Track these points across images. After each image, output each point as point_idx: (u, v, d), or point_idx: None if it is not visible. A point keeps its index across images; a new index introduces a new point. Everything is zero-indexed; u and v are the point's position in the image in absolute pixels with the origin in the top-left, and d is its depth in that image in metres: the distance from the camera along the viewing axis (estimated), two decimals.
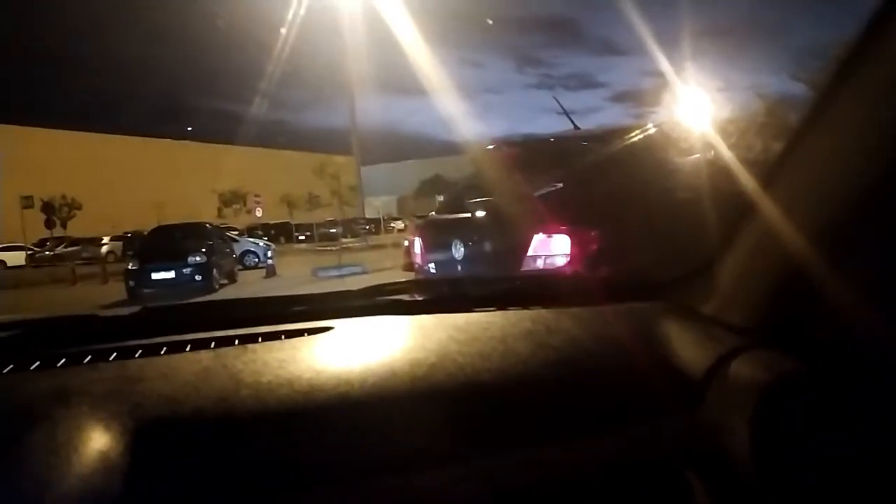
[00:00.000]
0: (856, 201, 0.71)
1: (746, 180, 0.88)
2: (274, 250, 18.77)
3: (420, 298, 1.16)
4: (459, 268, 4.01)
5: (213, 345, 0.92)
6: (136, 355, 0.89)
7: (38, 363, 0.87)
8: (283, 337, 0.95)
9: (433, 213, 5.13)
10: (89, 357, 0.88)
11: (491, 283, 1.31)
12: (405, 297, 1.15)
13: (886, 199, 0.69)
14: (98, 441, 0.69)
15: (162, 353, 0.90)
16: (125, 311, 1.08)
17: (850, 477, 0.73)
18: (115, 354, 0.89)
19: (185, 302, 1.16)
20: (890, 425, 0.73)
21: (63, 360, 0.88)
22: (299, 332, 0.97)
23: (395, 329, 1.01)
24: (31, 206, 39.38)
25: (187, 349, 0.91)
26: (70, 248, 30.76)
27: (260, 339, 0.94)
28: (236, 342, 0.93)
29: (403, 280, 1.29)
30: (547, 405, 0.84)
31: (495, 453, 0.78)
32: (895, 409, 0.73)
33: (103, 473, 0.66)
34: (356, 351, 0.91)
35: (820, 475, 0.73)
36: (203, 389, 0.79)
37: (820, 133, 0.75)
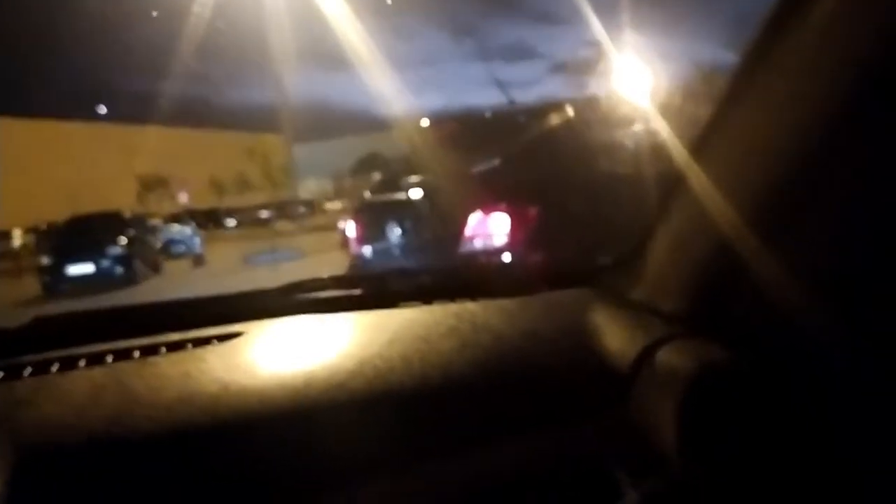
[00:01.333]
0: (784, 183, 0.68)
1: (677, 155, 0.84)
2: (202, 237, 18.17)
3: (340, 295, 1.10)
4: (395, 252, 3.95)
5: (110, 359, 0.86)
6: (24, 374, 0.84)
7: None
8: (189, 346, 0.90)
9: (368, 193, 5.03)
10: None
11: (416, 276, 1.29)
12: (325, 295, 1.10)
13: (815, 180, 0.66)
14: None
15: (53, 370, 0.84)
16: (14, 324, 0.99)
17: (779, 467, 0.71)
18: (1, 374, 0.84)
19: (82, 310, 1.08)
20: (819, 415, 0.71)
21: None
22: (207, 340, 0.92)
23: (312, 331, 0.96)
24: None
25: (81, 364, 0.85)
26: None
27: (163, 350, 0.89)
28: (136, 354, 0.87)
29: (323, 276, 1.20)
30: (473, 409, 0.81)
31: (418, 463, 0.75)
32: (824, 399, 0.71)
33: None
34: (269, 358, 0.87)
35: (749, 466, 0.71)
36: (94, 412, 0.74)
37: (745, 108, 0.73)
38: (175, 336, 0.92)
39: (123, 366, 0.85)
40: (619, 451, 0.78)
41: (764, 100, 0.70)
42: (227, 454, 0.71)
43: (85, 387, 0.79)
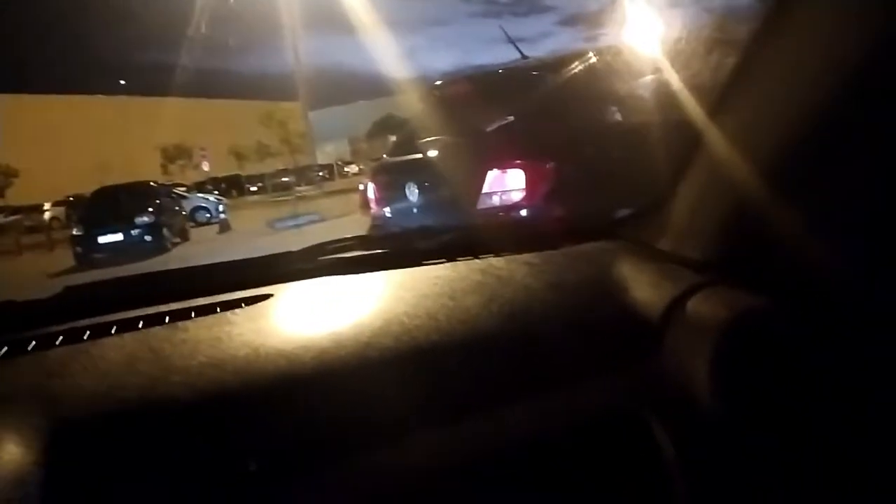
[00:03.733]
0: (806, 130, 0.68)
1: (695, 108, 0.84)
2: (226, 204, 18.39)
3: (364, 255, 1.09)
4: (415, 211, 3.96)
5: (140, 324, 0.85)
6: (57, 343, 0.82)
7: None
8: (218, 310, 0.89)
9: (385, 155, 5.03)
10: (5, 349, 0.80)
11: (439, 233, 1.24)
12: (349, 255, 1.09)
13: (834, 130, 0.67)
14: (8, 450, 0.63)
15: (85, 337, 0.82)
16: (46, 293, 0.98)
17: (812, 413, 0.72)
18: (32, 344, 0.81)
19: (112, 278, 1.07)
20: (849, 359, 0.71)
21: None
22: (236, 303, 0.91)
23: (338, 292, 0.95)
24: None
25: (113, 332, 0.83)
26: (11, 218, 29.47)
27: (193, 315, 0.87)
28: (167, 319, 0.86)
29: (347, 236, 1.20)
30: (502, 363, 0.80)
31: (450, 419, 0.74)
32: (853, 344, 0.71)
33: (16, 486, 0.59)
34: (296, 320, 0.86)
35: (782, 410, 0.72)
36: (128, 379, 0.73)
37: (766, 60, 0.72)
38: (204, 300, 0.92)
39: (155, 332, 0.84)
40: (654, 400, 0.78)
41: (784, 53, 0.70)
42: (261, 416, 0.71)
43: (117, 355, 0.78)
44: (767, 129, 0.73)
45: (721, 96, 0.78)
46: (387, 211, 4.26)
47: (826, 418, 0.71)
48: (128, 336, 0.83)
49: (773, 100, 0.72)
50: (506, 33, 5.23)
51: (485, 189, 3.59)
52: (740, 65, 0.74)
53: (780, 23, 0.69)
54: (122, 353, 0.78)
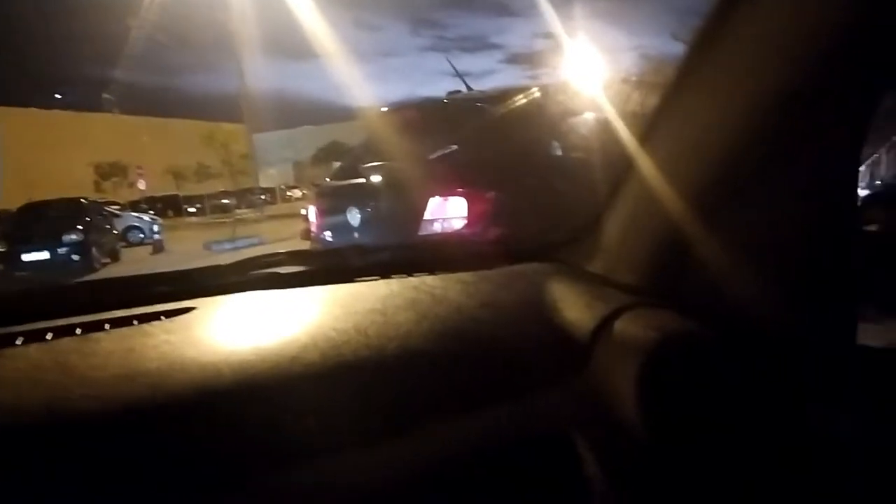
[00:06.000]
0: (729, 159, 0.71)
1: (626, 140, 0.87)
2: (161, 224, 17.85)
3: (297, 270, 1.05)
4: (356, 235, 3.95)
5: (49, 336, 0.80)
6: None
7: None
8: (134, 322, 0.84)
9: (328, 179, 5.01)
10: None
11: (374, 250, 1.22)
12: (281, 270, 1.05)
13: (755, 162, 0.69)
14: None
15: None
16: None
17: (735, 435, 0.73)
18: None
19: (23, 288, 1.01)
20: (768, 384, 0.73)
21: None
22: (154, 316, 0.86)
23: (266, 306, 0.91)
24: None
25: (18, 343, 0.78)
26: None
27: (106, 326, 0.82)
28: (77, 331, 0.81)
29: (279, 251, 1.16)
30: (431, 381, 0.79)
31: (374, 438, 0.72)
32: (775, 370, 0.74)
33: None
34: (219, 333, 0.82)
35: (706, 433, 0.73)
36: (28, 392, 0.68)
37: (692, 91, 0.75)
38: (121, 312, 0.87)
39: (64, 343, 0.79)
40: (580, 420, 0.78)
41: (707, 88, 0.73)
42: (174, 431, 0.67)
43: (21, 365, 0.73)
44: (692, 159, 0.76)
45: (648, 128, 0.81)
46: (327, 234, 4.24)
47: (747, 439, 0.73)
48: (33, 347, 0.77)
49: (698, 130, 0.75)
50: (452, 66, 5.35)
51: (426, 216, 3.63)
52: (667, 97, 0.77)
53: (703, 57, 0.72)
54: (27, 364, 0.73)
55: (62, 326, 0.82)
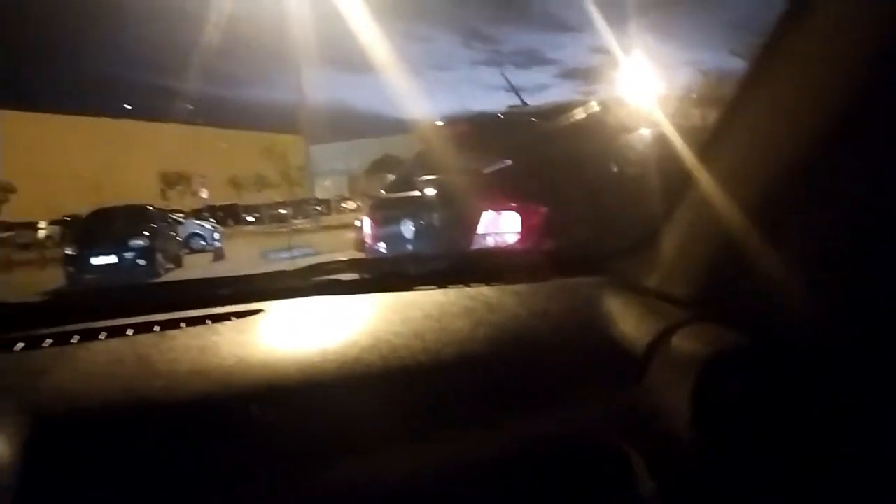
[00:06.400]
0: (788, 176, 0.71)
1: (684, 154, 0.87)
2: (221, 232, 18.39)
3: (357, 278, 1.11)
4: (409, 247, 3.98)
5: (129, 332, 0.86)
6: (45, 345, 0.83)
7: None
8: (207, 322, 0.90)
9: (383, 192, 5.07)
10: None
11: (430, 260, 1.29)
12: (342, 277, 1.10)
13: (817, 173, 0.70)
14: None
15: (73, 342, 0.84)
16: (38, 298, 1.00)
17: (789, 452, 0.73)
18: (20, 345, 0.83)
19: (105, 287, 1.07)
20: (826, 401, 0.73)
21: None
22: (226, 317, 0.92)
23: (329, 310, 0.96)
24: None
25: (101, 337, 0.85)
26: (4, 234, 29.35)
27: (182, 325, 0.88)
28: (156, 329, 0.87)
29: (341, 259, 1.23)
30: (486, 385, 0.81)
31: (431, 436, 0.75)
32: (832, 386, 0.74)
33: None
34: (285, 334, 0.87)
35: (760, 450, 0.73)
36: (112, 383, 0.74)
37: (753, 106, 0.75)
38: (195, 312, 0.93)
39: (143, 338, 0.85)
40: (633, 433, 0.79)
41: (769, 101, 0.73)
42: (243, 423, 0.71)
43: (103, 358, 0.79)
44: (751, 173, 0.76)
45: (708, 142, 0.82)
46: (382, 246, 4.29)
47: (801, 455, 0.73)
48: (115, 342, 0.84)
49: (757, 145, 0.76)
50: (507, 80, 5.35)
51: (479, 229, 3.63)
52: (726, 112, 0.78)
53: (763, 71, 0.73)
54: (109, 358, 0.78)
55: (141, 323, 0.89)
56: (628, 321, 0.90)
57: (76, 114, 55.31)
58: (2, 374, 0.75)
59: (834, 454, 0.73)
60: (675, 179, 0.91)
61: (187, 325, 0.89)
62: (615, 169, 3.95)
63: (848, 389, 0.74)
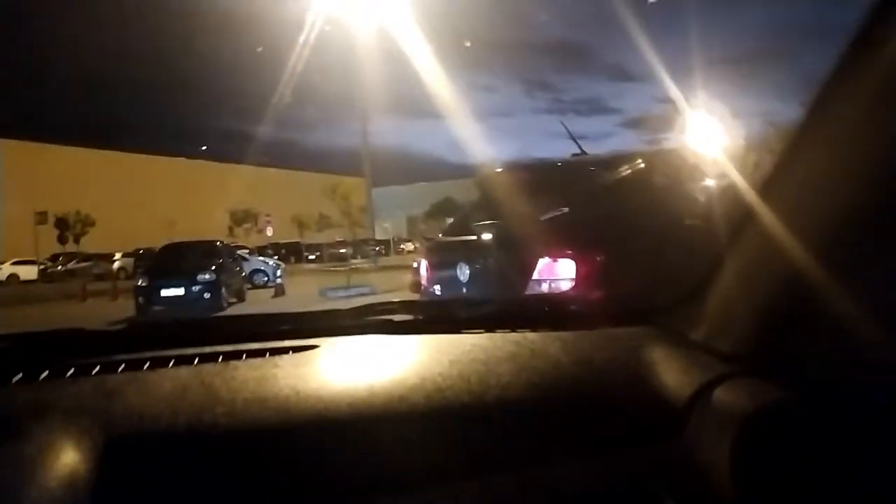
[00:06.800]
0: (845, 224, 0.71)
1: (739, 203, 0.87)
2: (283, 269, 18.85)
3: (409, 319, 1.16)
4: (464, 290, 4.01)
5: (196, 361, 0.93)
6: (119, 370, 0.90)
7: (19, 376, 0.87)
8: (267, 354, 0.95)
9: (440, 235, 5.14)
10: (71, 371, 0.89)
11: (479, 304, 1.29)
12: (394, 318, 1.15)
13: (879, 227, 0.69)
14: (67, 456, 0.69)
15: (144, 368, 0.90)
16: (114, 326, 1.08)
17: None
18: (97, 369, 0.90)
19: (174, 318, 1.18)
20: (873, 459, 0.72)
21: (45, 373, 0.88)
22: (284, 350, 0.97)
23: (380, 349, 1.01)
24: (45, 222, 39.97)
25: (170, 364, 0.92)
26: (82, 264, 31.01)
27: (244, 356, 0.94)
28: (220, 359, 0.93)
29: (394, 300, 1.27)
30: (526, 429, 0.83)
31: (471, 476, 0.77)
32: (880, 443, 0.72)
33: (69, 490, 0.65)
34: (338, 370, 0.91)
35: None
36: (178, 406, 0.79)
37: (807, 153, 0.75)
38: (255, 345, 0.98)
39: (208, 367, 0.90)
40: (672, 484, 0.79)
41: (828, 146, 0.72)
42: (294, 452, 0.75)
43: (171, 384, 0.84)
44: (807, 227, 0.75)
45: (763, 190, 0.82)
46: (437, 288, 4.33)
47: None
48: (182, 369, 0.90)
49: (810, 197, 0.76)
50: (566, 128, 5.40)
51: (535, 275, 3.63)
52: (780, 159, 0.79)
53: (820, 118, 0.73)
54: (176, 384, 0.84)
55: (207, 354, 0.95)
56: (672, 372, 0.91)
57: (155, 153, 58.62)
58: (80, 395, 0.82)
59: None
60: (728, 231, 0.91)
61: (248, 357, 0.94)
62: (671, 220, 3.91)
63: None
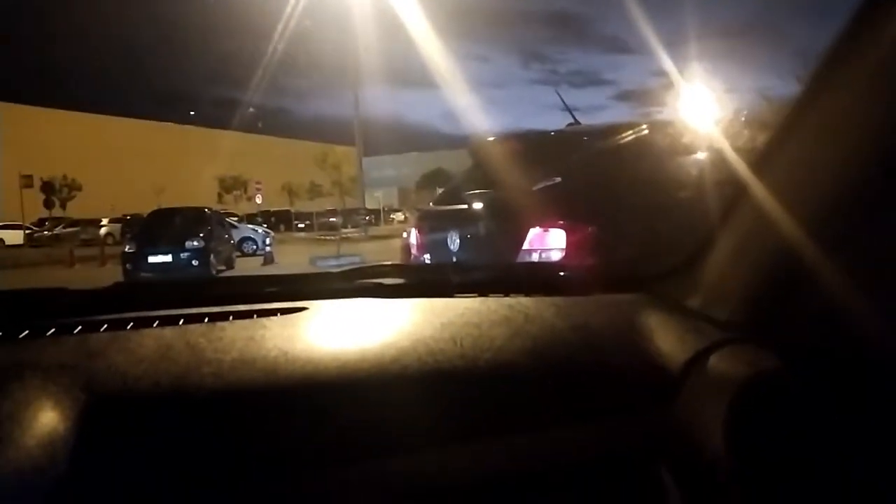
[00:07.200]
0: (840, 197, 0.71)
1: (734, 176, 0.87)
2: (273, 238, 18.77)
3: (400, 282, 1.14)
4: (454, 259, 4.00)
5: (181, 321, 0.90)
6: (101, 329, 0.87)
7: None
8: (255, 316, 0.93)
9: (431, 204, 5.12)
10: (52, 330, 0.86)
11: (473, 269, 1.28)
12: (385, 281, 1.13)
13: (872, 195, 0.69)
14: (45, 415, 0.68)
15: (128, 328, 0.88)
16: (97, 285, 1.05)
17: (823, 475, 0.72)
18: (79, 328, 0.87)
19: (159, 279, 1.14)
20: (867, 425, 0.72)
21: (25, 332, 0.85)
22: (272, 312, 0.95)
23: (371, 312, 0.99)
24: (31, 186, 39.52)
25: (154, 325, 0.89)
26: (69, 229, 30.68)
27: (231, 318, 0.92)
28: (205, 320, 0.91)
29: (386, 263, 1.25)
30: (519, 394, 0.82)
31: (463, 440, 0.76)
32: (873, 409, 0.72)
33: (47, 448, 0.64)
34: (327, 332, 0.90)
35: (794, 473, 0.72)
36: (162, 366, 0.77)
37: (804, 127, 0.75)
38: (243, 307, 0.97)
39: (193, 328, 0.88)
40: (665, 449, 0.79)
41: (824, 118, 0.72)
42: (282, 413, 0.74)
43: (155, 344, 0.82)
44: (802, 196, 0.75)
45: (755, 164, 0.82)
46: (427, 257, 4.32)
47: (837, 480, 0.72)
48: (167, 329, 0.88)
49: (806, 167, 0.76)
50: (561, 98, 5.35)
51: (525, 245, 3.63)
52: (777, 132, 0.78)
53: (817, 92, 0.72)
54: (160, 344, 0.82)
55: (193, 314, 0.93)
56: (666, 339, 0.90)
57: (145, 118, 57.82)
58: (61, 354, 0.80)
59: (873, 482, 0.71)
60: (720, 200, 0.91)
61: (235, 318, 0.92)
62: (664, 190, 3.90)
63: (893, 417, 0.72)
